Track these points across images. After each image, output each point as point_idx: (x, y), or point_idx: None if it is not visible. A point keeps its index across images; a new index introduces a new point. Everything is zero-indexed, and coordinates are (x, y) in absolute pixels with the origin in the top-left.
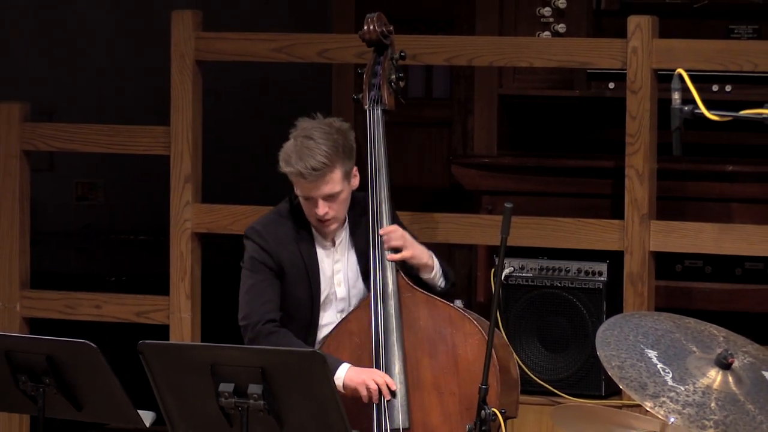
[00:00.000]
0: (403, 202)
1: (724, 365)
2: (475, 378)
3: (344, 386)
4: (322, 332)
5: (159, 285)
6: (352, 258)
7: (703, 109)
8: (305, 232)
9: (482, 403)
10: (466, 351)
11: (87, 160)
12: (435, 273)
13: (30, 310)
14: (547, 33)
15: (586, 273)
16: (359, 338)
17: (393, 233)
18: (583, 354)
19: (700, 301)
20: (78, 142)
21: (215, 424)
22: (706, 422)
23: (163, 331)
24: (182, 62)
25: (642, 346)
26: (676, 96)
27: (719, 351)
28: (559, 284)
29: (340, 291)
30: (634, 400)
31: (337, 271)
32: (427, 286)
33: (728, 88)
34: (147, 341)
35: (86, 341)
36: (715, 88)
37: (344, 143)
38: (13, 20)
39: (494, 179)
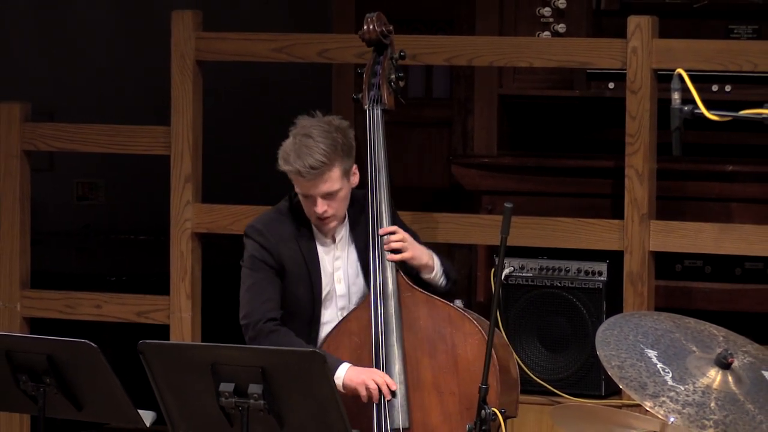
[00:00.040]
0: (403, 202)
1: (724, 365)
2: (474, 378)
3: (344, 386)
4: (324, 329)
5: (159, 285)
6: (353, 255)
7: (702, 109)
8: (305, 230)
9: (482, 402)
10: (466, 351)
11: (87, 160)
12: (436, 273)
13: (30, 310)
14: (547, 33)
15: (586, 273)
16: (359, 338)
17: (393, 235)
18: (582, 354)
19: (700, 300)
20: (78, 142)
21: (215, 423)
22: (706, 422)
23: (163, 330)
24: (182, 62)
25: (642, 345)
26: (675, 96)
27: (719, 351)
28: (559, 284)
29: (340, 288)
30: (633, 400)
31: (337, 268)
32: (428, 286)
33: (728, 88)
34: (147, 341)
35: (87, 341)
36: (714, 88)
37: (343, 141)
38: (13, 20)
39: (494, 179)
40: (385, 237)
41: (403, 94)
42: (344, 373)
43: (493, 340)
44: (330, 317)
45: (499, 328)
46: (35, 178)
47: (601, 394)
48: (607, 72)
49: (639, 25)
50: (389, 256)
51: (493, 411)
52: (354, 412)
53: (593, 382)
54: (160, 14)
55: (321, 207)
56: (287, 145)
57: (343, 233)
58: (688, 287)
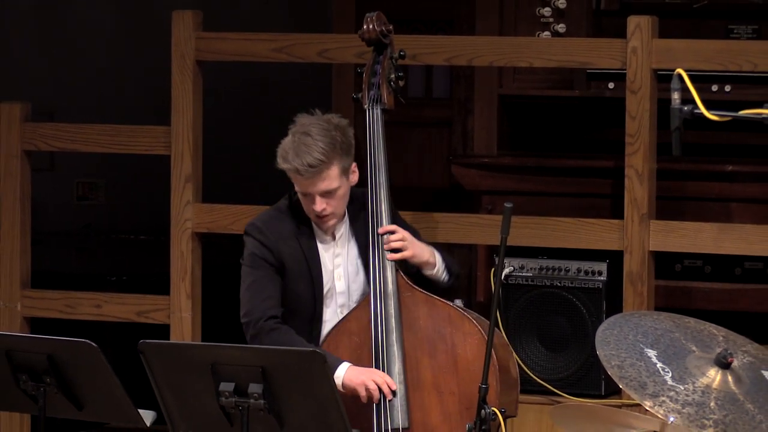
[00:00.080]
0: (403, 202)
1: (724, 365)
2: (474, 377)
3: (343, 386)
4: (324, 327)
5: (159, 285)
6: (353, 252)
7: (702, 109)
8: (305, 227)
9: (482, 402)
10: (466, 350)
11: (87, 160)
12: (438, 269)
13: (31, 310)
14: (546, 33)
15: (586, 273)
16: (359, 337)
17: (392, 234)
18: (582, 353)
19: (700, 300)
20: (79, 142)
21: (216, 423)
22: (706, 421)
23: (163, 330)
24: (183, 62)
25: (641, 345)
26: (675, 96)
27: (719, 350)
28: (558, 284)
29: (340, 285)
30: (633, 400)
31: (338, 265)
32: (430, 282)
33: (728, 88)
34: (147, 341)
35: (87, 341)
36: (714, 88)
37: (342, 140)
38: (14, 20)
39: (494, 179)
40: (385, 236)
41: (403, 94)
42: (344, 373)
43: (493, 339)
44: (330, 315)
45: (499, 328)
46: (36, 178)
47: (600, 394)
48: (607, 72)
49: (639, 25)
50: (389, 255)
51: (493, 410)
52: (354, 412)
53: (593, 381)
54: (160, 14)
55: (320, 205)
56: (286, 143)
57: (343, 231)
58: (687, 287)
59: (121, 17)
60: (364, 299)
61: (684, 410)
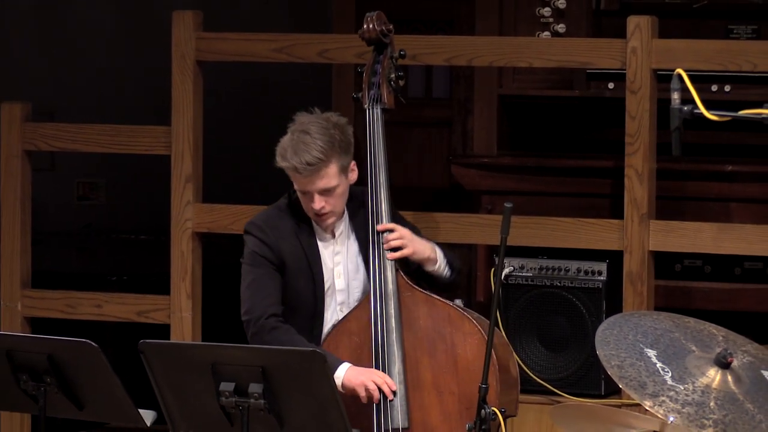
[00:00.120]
0: (403, 202)
1: (724, 364)
2: (474, 377)
3: (343, 386)
4: (325, 325)
5: (160, 284)
6: (352, 249)
7: (702, 109)
8: (305, 225)
9: (482, 402)
10: (466, 350)
11: (88, 159)
12: (439, 264)
13: (31, 310)
14: (546, 33)
15: (586, 272)
16: (359, 337)
17: (391, 233)
18: (582, 353)
19: (700, 300)
20: (79, 142)
21: (216, 423)
22: (705, 421)
23: (164, 330)
24: (183, 62)
25: (641, 345)
26: (675, 96)
27: (718, 350)
28: (558, 284)
29: (340, 283)
30: (633, 400)
31: (337, 263)
32: (432, 278)
33: (727, 88)
34: (148, 340)
35: (87, 341)
36: (714, 88)
37: (341, 138)
38: (14, 20)
39: (494, 179)
40: (384, 236)
41: (403, 94)
42: (344, 374)
43: (493, 339)
44: (330, 312)
45: (499, 328)
46: (36, 177)
47: (600, 394)
48: (606, 72)
49: (639, 25)
50: (389, 254)
51: (493, 410)
52: (354, 412)
53: (593, 381)
54: (160, 14)
55: (318, 203)
56: (285, 141)
57: (342, 228)
58: (687, 287)
59: (121, 17)
60: (364, 299)
61: (684, 410)
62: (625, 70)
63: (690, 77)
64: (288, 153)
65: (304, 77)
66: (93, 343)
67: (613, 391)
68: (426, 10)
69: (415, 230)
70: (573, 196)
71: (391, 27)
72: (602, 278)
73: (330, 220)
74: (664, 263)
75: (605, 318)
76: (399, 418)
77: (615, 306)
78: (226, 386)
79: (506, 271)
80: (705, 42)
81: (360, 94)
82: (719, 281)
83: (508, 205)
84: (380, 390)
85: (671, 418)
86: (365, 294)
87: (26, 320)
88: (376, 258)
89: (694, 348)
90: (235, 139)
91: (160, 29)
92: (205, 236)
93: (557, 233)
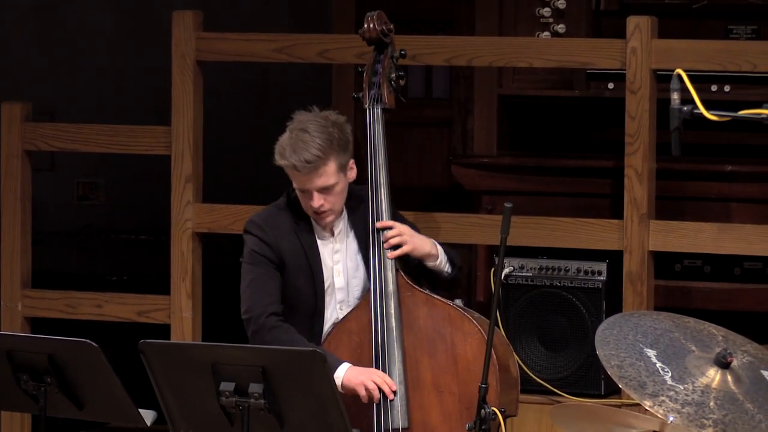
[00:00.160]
0: (403, 202)
1: (723, 364)
2: (474, 377)
3: (343, 386)
4: (325, 323)
5: (160, 284)
6: (352, 248)
7: (702, 109)
8: (304, 223)
9: (482, 402)
10: (466, 350)
11: (88, 159)
12: (440, 260)
13: (31, 310)
14: (546, 33)
15: (586, 272)
16: (359, 337)
17: (390, 230)
18: (582, 353)
19: (699, 300)
20: (79, 142)
21: (216, 423)
22: (705, 421)
23: (164, 330)
24: (183, 62)
25: (641, 345)
26: (675, 96)
27: (718, 350)
28: (558, 284)
29: (339, 281)
30: (633, 399)
31: (337, 261)
32: (433, 274)
33: (727, 88)
34: (148, 340)
35: (87, 340)
36: (713, 88)
37: (340, 136)
38: (14, 20)
39: (494, 179)
40: (384, 234)
41: (403, 93)
42: (343, 374)
43: (493, 339)
44: (330, 311)
45: (498, 328)
46: (36, 177)
47: (600, 394)
48: (606, 72)
49: (638, 25)
50: (390, 253)
51: (493, 410)
52: (354, 412)
53: (593, 381)
54: (160, 14)
55: (317, 201)
56: (283, 139)
57: (342, 227)
58: (687, 287)
59: (121, 17)
60: (364, 299)
61: (683, 410)
62: (624, 70)
63: (690, 77)
64: (287, 151)
65: (304, 77)
66: (93, 343)
67: (613, 391)
68: (426, 10)
69: (414, 228)
70: (573, 196)
71: (391, 27)
72: (602, 278)
73: (329, 218)
74: (663, 263)
75: (605, 318)
76: (399, 418)
77: (615, 306)
78: (227, 386)
79: (506, 271)
80: (705, 42)
81: (360, 94)
82: (719, 281)
83: (508, 205)
84: (380, 390)
85: (671, 418)
86: (365, 292)
87: (26, 320)
88: (376, 258)
89: (693, 348)
90: (235, 139)
91: (160, 29)
92: (205, 236)
93: (557, 233)
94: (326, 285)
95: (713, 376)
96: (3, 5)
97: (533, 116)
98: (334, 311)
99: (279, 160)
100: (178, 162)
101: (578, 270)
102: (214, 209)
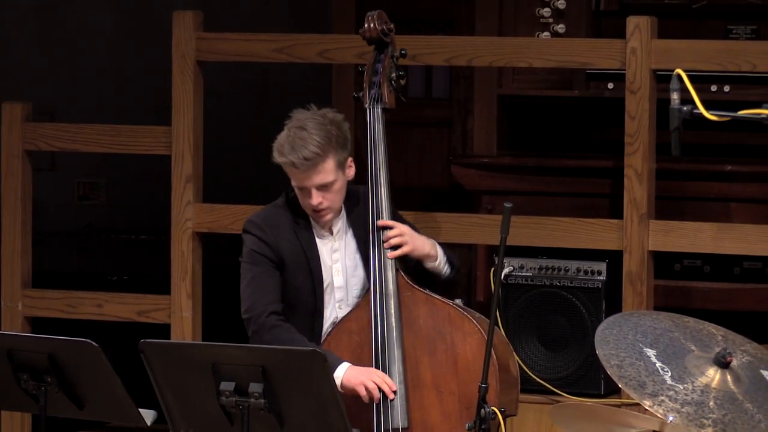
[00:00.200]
0: (403, 202)
1: (723, 364)
2: (474, 377)
3: (342, 386)
4: (325, 322)
5: (160, 284)
6: (350, 247)
7: (701, 109)
8: (303, 222)
9: (482, 401)
10: (465, 350)
11: (88, 159)
12: (439, 261)
13: (32, 309)
14: (546, 33)
15: (586, 272)
16: (359, 337)
17: (390, 230)
18: (582, 353)
19: (699, 300)
20: (80, 142)
21: (216, 422)
22: (705, 421)
23: (164, 330)
24: (183, 63)
25: (641, 345)
26: (674, 96)
27: (718, 350)
28: (558, 283)
29: (338, 280)
30: (633, 399)
31: (336, 260)
32: (432, 275)
33: (727, 88)
34: (148, 340)
35: (88, 340)
36: (713, 88)
37: (338, 133)
38: (14, 20)
39: (494, 179)
40: (384, 234)
41: (403, 93)
42: (343, 373)
43: (493, 339)
44: (329, 310)
45: (498, 328)
46: (37, 177)
47: (600, 393)
48: (606, 72)
49: (638, 25)
50: (390, 253)
51: (493, 410)
52: (354, 411)
53: (592, 381)
54: (160, 14)
55: (316, 199)
56: (282, 137)
57: (340, 226)
58: (687, 287)
59: (121, 17)
60: (364, 299)
61: (683, 409)
62: (624, 70)
63: (689, 77)
64: (285, 148)
65: (304, 77)
66: (93, 343)
67: (613, 390)
68: (426, 10)
69: (415, 229)
70: (573, 196)
71: (392, 26)
72: (602, 278)
73: (328, 217)
74: (663, 263)
75: (605, 318)
76: (399, 418)
77: (614, 306)
78: (227, 386)
79: (506, 270)
80: (704, 42)
81: (361, 94)
82: (718, 281)
83: (507, 205)
84: (380, 389)
85: (670, 418)
86: (364, 292)
87: (27, 320)
88: (376, 257)
89: (693, 347)
90: (235, 139)
91: (160, 29)
92: (205, 236)
93: (557, 233)
94: (325, 284)
95: (713, 375)
96: (3, 5)
97: (533, 116)
98: (333, 310)
99: (277, 158)
100: (179, 162)
101: (578, 270)
102: (214, 209)
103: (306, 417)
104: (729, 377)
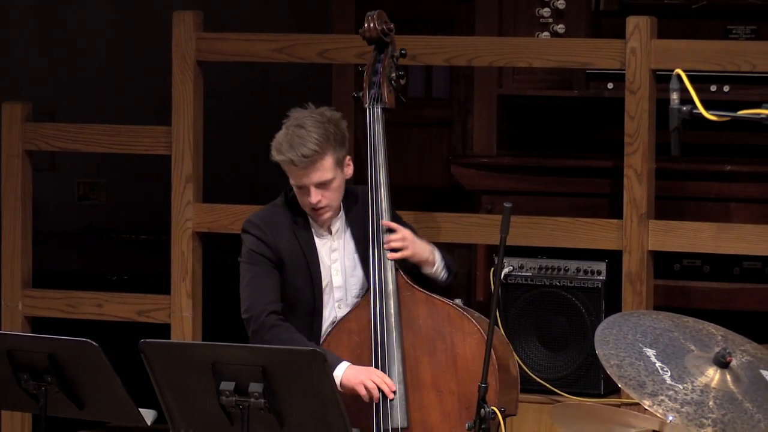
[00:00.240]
0: (403, 202)
1: (723, 364)
2: (473, 377)
3: (342, 385)
4: (324, 322)
5: (160, 284)
6: (349, 246)
7: (701, 109)
8: (302, 222)
9: (482, 401)
10: (465, 350)
11: (88, 159)
12: (437, 267)
13: (32, 309)
14: (546, 33)
15: (585, 272)
16: (359, 337)
17: (393, 234)
18: (582, 353)
19: (699, 300)
20: (80, 142)
21: (216, 422)
22: (704, 420)
23: (164, 330)
24: (183, 63)
25: (640, 344)
26: (674, 96)
27: (717, 350)
28: (558, 283)
29: (337, 280)
30: (632, 399)
31: (334, 260)
32: (429, 280)
33: (726, 88)
34: (148, 340)
35: (88, 340)
36: (713, 88)
37: (336, 131)
38: (14, 20)
39: (494, 179)
40: (385, 235)
41: (403, 93)
42: (342, 373)
43: (493, 339)
44: (328, 310)
45: (498, 327)
46: (37, 177)
47: (600, 393)
48: (606, 72)
49: (638, 25)
50: (389, 254)
51: (493, 410)
52: (354, 411)
53: (592, 380)
54: (160, 14)
55: (315, 197)
56: (280, 135)
57: (339, 225)
58: (686, 286)
59: (121, 17)
60: (364, 299)
61: (683, 409)
62: (624, 70)
63: (689, 77)
64: (284, 146)
65: (304, 77)
66: (93, 343)
67: (613, 390)
68: (426, 10)
69: (413, 232)
70: (572, 195)
71: (392, 26)
72: (601, 278)
73: (327, 215)
74: (663, 263)
75: (604, 317)
76: (398, 418)
77: (614, 305)
78: (227, 385)
79: (506, 270)
80: (704, 42)
81: (360, 94)
82: (718, 281)
83: (507, 204)
84: (380, 389)
85: (670, 418)
86: (363, 291)
87: (27, 320)
88: (376, 257)
89: (693, 347)
90: (235, 139)
91: (160, 29)
92: (205, 236)
93: (557, 233)
94: (324, 284)
95: (712, 375)
96: (3, 5)
97: (533, 116)
98: (332, 310)
99: (276, 156)
100: (179, 162)
101: (578, 270)
102: (214, 209)
103: (306, 417)
104: (728, 377)
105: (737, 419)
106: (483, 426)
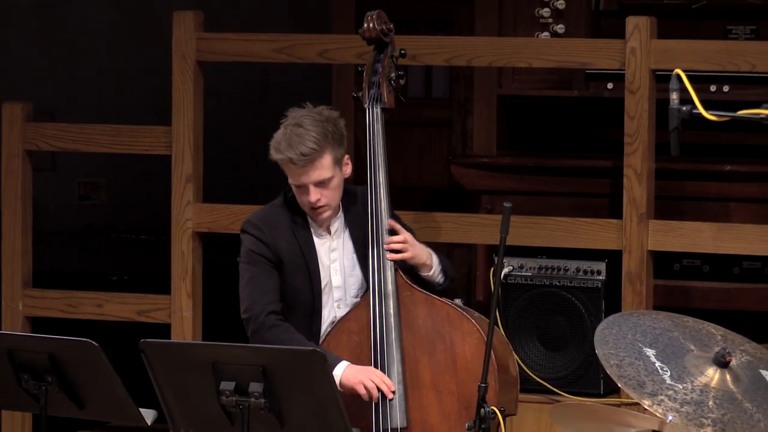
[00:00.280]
0: (403, 202)
1: (722, 364)
2: (473, 377)
3: (341, 385)
4: (323, 322)
5: (160, 284)
6: (348, 246)
7: (701, 109)
8: (301, 222)
9: (481, 401)
10: (465, 350)
11: (89, 159)
12: (434, 271)
13: (32, 309)
14: (546, 33)
15: (585, 272)
16: (358, 337)
17: (395, 235)
18: (581, 352)
19: (698, 299)
20: (80, 142)
21: (216, 422)
22: (704, 420)
23: (164, 329)
24: (183, 63)
25: (640, 344)
26: (674, 96)
27: (717, 349)
28: (557, 283)
29: (336, 279)
30: (632, 399)
31: (333, 259)
32: (425, 283)
33: (726, 88)
34: (148, 340)
35: (88, 340)
36: (713, 88)
37: (334, 130)
38: (14, 20)
39: (493, 179)
40: (387, 237)
41: (403, 93)
42: (342, 372)
43: (492, 339)
44: (327, 310)
45: (498, 327)
46: (37, 177)
47: (599, 393)
48: (605, 72)
49: (637, 25)
50: (389, 255)
51: (492, 409)
52: (353, 411)
53: (592, 380)
54: (160, 14)
55: (314, 195)
56: (278, 135)
57: (338, 225)
58: (686, 286)
59: (121, 17)
60: (364, 299)
61: (682, 409)
62: (624, 70)
63: (689, 77)
64: (282, 145)
65: (304, 77)
66: (94, 343)
67: (612, 390)
68: (426, 10)
69: (412, 233)
70: (572, 195)
71: (391, 26)
72: (601, 278)
73: (326, 214)
74: (662, 263)
75: (604, 317)
76: (398, 418)
77: (614, 305)
78: (227, 385)
79: (505, 270)
80: (704, 42)
81: (360, 94)
82: (718, 281)
83: (507, 204)
84: (379, 389)
85: (670, 417)
86: (362, 291)
87: (27, 320)
88: (375, 257)
89: (692, 347)
90: (235, 139)
91: (160, 29)
92: (205, 236)
93: (556, 233)
94: (323, 284)
95: (712, 375)
96: (3, 5)
97: (533, 116)
98: (331, 310)
99: (274, 155)
100: (179, 162)
101: (577, 270)
102: (215, 209)
103: (306, 416)
104: (728, 377)
105: (737, 419)
106: (483, 426)
